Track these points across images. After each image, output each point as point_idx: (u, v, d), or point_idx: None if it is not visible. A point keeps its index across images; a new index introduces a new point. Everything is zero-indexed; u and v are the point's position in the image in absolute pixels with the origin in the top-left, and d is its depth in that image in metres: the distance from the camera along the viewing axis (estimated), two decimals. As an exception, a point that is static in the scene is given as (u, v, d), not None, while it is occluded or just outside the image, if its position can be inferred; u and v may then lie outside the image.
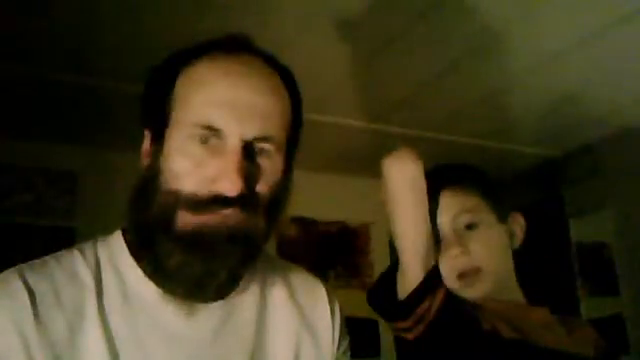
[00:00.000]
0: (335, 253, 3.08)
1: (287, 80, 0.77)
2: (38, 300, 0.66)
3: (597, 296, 2.74)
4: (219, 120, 0.68)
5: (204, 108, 0.69)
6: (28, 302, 0.65)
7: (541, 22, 1.82)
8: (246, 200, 0.68)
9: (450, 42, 1.93)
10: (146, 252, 0.71)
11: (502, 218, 1.09)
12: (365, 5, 1.70)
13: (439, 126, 2.58)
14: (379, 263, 3.15)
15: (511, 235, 1.10)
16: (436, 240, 1.03)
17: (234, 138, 0.68)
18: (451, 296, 0.98)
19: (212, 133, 0.68)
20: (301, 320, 0.82)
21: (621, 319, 2.59)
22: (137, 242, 0.73)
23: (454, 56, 2.02)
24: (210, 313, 0.74)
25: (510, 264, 1.08)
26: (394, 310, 0.98)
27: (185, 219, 0.68)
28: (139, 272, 0.73)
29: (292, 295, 0.84)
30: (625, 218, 2.63)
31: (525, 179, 3.01)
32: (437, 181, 1.06)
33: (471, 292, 1.03)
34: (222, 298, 0.75)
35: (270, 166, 0.71)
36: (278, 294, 0.82)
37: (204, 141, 0.69)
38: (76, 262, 0.71)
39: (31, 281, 0.67)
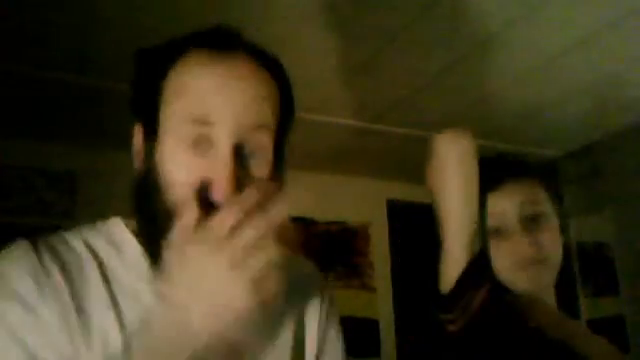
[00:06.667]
0: (335, 253, 3.08)
1: (274, 70, 0.76)
2: (43, 258, 0.71)
3: (597, 296, 2.74)
4: (209, 110, 0.69)
5: (194, 100, 0.70)
6: (34, 254, 0.70)
7: (541, 23, 1.82)
8: None
9: (450, 42, 1.93)
10: (150, 238, 0.73)
11: (558, 214, 1.07)
12: (365, 5, 1.70)
13: (439, 126, 2.56)
14: (379, 263, 3.16)
15: (562, 232, 1.07)
16: (495, 230, 1.01)
17: (225, 139, 0.68)
18: (496, 289, 0.95)
19: (202, 130, 0.68)
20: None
21: (621, 319, 2.59)
22: (145, 232, 0.75)
23: (454, 56, 2.02)
24: None
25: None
26: (438, 302, 0.94)
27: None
28: (138, 246, 0.75)
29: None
30: (625, 218, 2.63)
31: (525, 179, 3.00)
32: (500, 169, 1.04)
33: (531, 284, 1.00)
34: None
35: (261, 166, 0.71)
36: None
37: (195, 144, 0.69)
38: (74, 239, 0.75)
39: (37, 244, 0.72)
